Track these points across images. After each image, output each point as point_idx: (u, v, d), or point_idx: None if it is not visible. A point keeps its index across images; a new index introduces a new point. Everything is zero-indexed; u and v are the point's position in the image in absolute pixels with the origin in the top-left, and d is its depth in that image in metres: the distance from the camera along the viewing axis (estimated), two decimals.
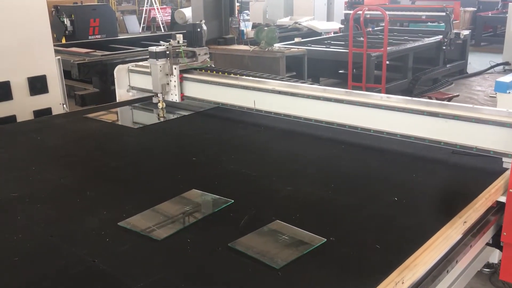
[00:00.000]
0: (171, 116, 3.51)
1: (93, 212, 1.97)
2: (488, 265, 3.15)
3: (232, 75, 3.49)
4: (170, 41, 3.53)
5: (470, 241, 1.85)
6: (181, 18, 17.28)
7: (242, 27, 8.12)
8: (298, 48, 7.41)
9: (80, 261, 1.63)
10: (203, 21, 3.68)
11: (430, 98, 7.40)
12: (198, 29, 3.60)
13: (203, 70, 3.62)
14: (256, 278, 1.54)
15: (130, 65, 3.93)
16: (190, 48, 3.60)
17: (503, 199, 2.04)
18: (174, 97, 3.58)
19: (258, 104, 3.17)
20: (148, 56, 3.52)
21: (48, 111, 3.97)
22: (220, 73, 3.55)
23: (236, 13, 7.88)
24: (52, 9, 11.83)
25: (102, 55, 6.31)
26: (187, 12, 16.72)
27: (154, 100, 3.61)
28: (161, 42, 3.58)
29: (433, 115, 2.43)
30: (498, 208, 2.07)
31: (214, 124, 3.38)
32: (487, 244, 2.10)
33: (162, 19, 18.90)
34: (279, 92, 3.05)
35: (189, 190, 2.13)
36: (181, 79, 3.56)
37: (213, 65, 3.76)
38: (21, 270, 1.60)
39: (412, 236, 1.72)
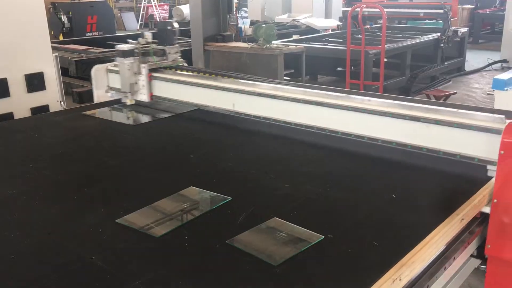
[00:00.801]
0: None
1: (91, 209, 1.97)
2: (485, 262, 3.16)
3: (202, 75, 3.36)
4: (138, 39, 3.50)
5: (467, 238, 1.86)
6: (179, 15, 17.26)
7: (240, 24, 8.10)
8: (296, 46, 7.41)
9: (78, 258, 1.63)
10: (175, 19, 3.67)
11: (428, 95, 7.41)
12: (169, 27, 3.54)
13: (174, 69, 3.54)
14: (253, 275, 1.54)
15: (109, 65, 3.82)
16: (160, 47, 3.52)
17: (487, 209, 1.93)
18: (143, 96, 3.52)
19: (237, 107, 3.07)
20: None
21: (45, 108, 3.95)
22: (190, 72, 3.46)
23: (234, 10, 7.87)
24: (50, 6, 11.81)
25: (99, 52, 6.31)
26: (185, 9, 16.70)
27: (123, 99, 3.56)
28: (128, 40, 3.51)
29: (414, 119, 2.31)
30: (482, 219, 1.97)
31: (213, 122, 3.38)
32: (471, 256, 2.00)
33: (160, 16, 18.85)
34: (259, 94, 2.93)
35: (187, 187, 2.13)
36: (150, 78, 3.49)
37: (185, 64, 3.67)
38: (19, 268, 1.59)
39: (410, 233, 1.73)
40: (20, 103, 3.81)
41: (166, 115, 3.38)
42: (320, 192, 2.12)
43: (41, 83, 3.97)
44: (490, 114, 2.14)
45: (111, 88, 3.77)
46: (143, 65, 3.45)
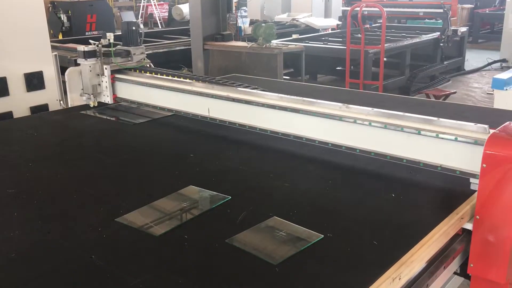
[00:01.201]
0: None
1: (90, 209, 1.97)
2: None
3: (165, 76, 3.27)
4: (101, 40, 3.43)
5: (466, 237, 1.86)
6: (179, 14, 17.25)
7: (240, 24, 8.11)
8: (295, 45, 7.42)
9: (78, 258, 1.63)
10: (140, 20, 3.64)
11: (427, 95, 7.41)
12: (133, 28, 3.48)
13: (138, 71, 3.46)
14: (253, 274, 1.54)
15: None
16: (124, 48, 3.47)
17: (469, 226, 1.82)
18: (107, 98, 3.49)
19: (212, 113, 2.95)
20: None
21: (45, 107, 3.95)
22: (153, 73, 3.37)
23: (234, 9, 7.87)
24: (49, 5, 11.80)
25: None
26: (185, 8, 16.70)
27: (86, 101, 3.49)
28: (90, 41, 3.46)
29: (394, 128, 2.17)
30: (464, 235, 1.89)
31: (210, 120, 3.38)
32: (455, 273, 1.92)
33: (159, 15, 18.84)
34: (233, 100, 2.81)
35: (186, 186, 2.13)
36: (113, 80, 3.44)
37: (151, 65, 3.60)
38: (18, 267, 1.59)
39: (409, 232, 1.73)
40: (19, 102, 3.81)
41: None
42: (319, 191, 2.12)
43: (40, 82, 3.96)
44: (473, 124, 1.99)
45: (86, 92, 3.61)
46: (105, 66, 3.40)
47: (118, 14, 18.61)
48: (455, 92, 7.78)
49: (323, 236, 1.70)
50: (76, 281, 1.52)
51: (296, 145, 2.76)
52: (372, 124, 2.24)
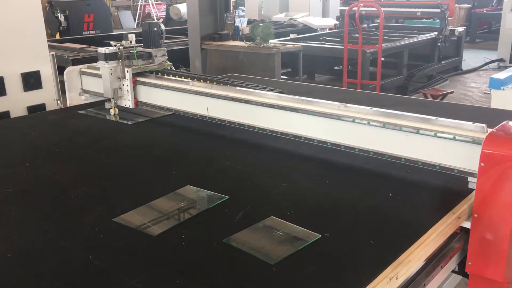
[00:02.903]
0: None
1: (88, 208, 1.97)
2: None
3: (189, 80, 3.12)
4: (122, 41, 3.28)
5: (463, 236, 1.86)
6: (176, 14, 17.24)
7: (237, 23, 8.12)
8: (293, 44, 7.42)
9: (75, 257, 1.62)
10: (161, 20, 3.48)
11: (425, 94, 7.43)
12: (155, 29, 3.30)
13: (160, 74, 3.32)
14: (251, 273, 1.54)
15: (82, 67, 3.69)
16: (145, 49, 3.31)
17: (467, 224, 1.83)
18: (128, 102, 3.29)
19: (211, 112, 2.92)
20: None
21: (42, 107, 3.95)
22: (177, 77, 3.23)
23: (231, 9, 7.87)
24: (46, 4, 11.79)
25: (96, 51, 6.29)
26: (182, 8, 16.70)
27: (107, 105, 3.36)
28: (111, 42, 3.30)
29: (392, 127, 2.17)
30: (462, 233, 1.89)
31: (209, 120, 3.37)
32: (453, 271, 1.93)
33: (157, 14, 18.84)
34: (232, 99, 2.78)
35: (184, 186, 2.13)
36: (135, 83, 3.28)
37: (173, 68, 3.46)
38: (16, 267, 1.59)
39: (407, 231, 1.73)
40: (16, 102, 3.81)
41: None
42: (317, 191, 2.12)
43: (37, 82, 3.95)
44: (471, 123, 1.99)
45: (85, 91, 3.64)
46: (127, 69, 3.23)
47: (116, 13, 18.60)
48: (452, 92, 7.80)
49: (320, 235, 1.70)
50: (73, 281, 1.52)
51: (294, 144, 2.76)
52: (371, 123, 2.23)
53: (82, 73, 3.65)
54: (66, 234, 1.78)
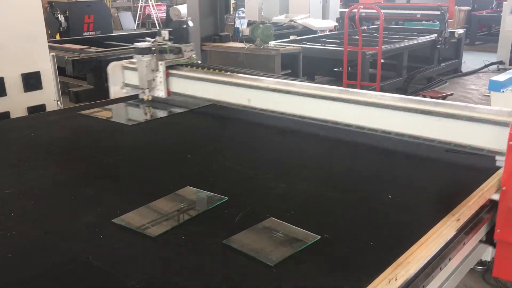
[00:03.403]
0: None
1: (88, 209, 1.97)
2: (481, 263, 3.17)
3: (217, 72, 3.46)
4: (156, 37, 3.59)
5: (463, 238, 1.86)
6: (176, 15, 17.22)
7: (237, 25, 8.11)
8: (293, 46, 7.42)
9: (75, 258, 1.62)
10: (190, 18, 3.74)
11: (424, 96, 7.43)
12: (184, 26, 3.65)
13: (189, 66, 3.63)
14: (250, 275, 1.54)
15: (124, 62, 3.90)
16: (176, 45, 3.63)
17: (496, 197, 2.05)
18: (161, 92, 3.61)
19: (253, 102, 3.15)
20: None
21: (42, 107, 3.95)
22: (205, 69, 3.56)
23: (232, 10, 7.87)
24: (47, 5, 11.78)
25: (96, 52, 6.29)
26: (183, 9, 16.69)
27: (141, 95, 3.64)
28: (146, 38, 3.62)
29: (427, 113, 2.43)
30: (491, 206, 2.08)
31: (209, 121, 3.38)
32: (480, 241, 2.11)
33: (157, 16, 18.84)
34: (273, 90, 3.01)
35: (183, 187, 2.14)
36: (167, 75, 3.59)
37: (199, 62, 3.79)
38: (16, 267, 1.59)
39: (406, 233, 1.74)
40: (16, 102, 3.81)
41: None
42: (316, 192, 2.12)
43: (37, 83, 3.96)
44: (498, 108, 2.29)
45: (127, 85, 3.85)
46: (160, 62, 3.56)
47: (116, 14, 18.60)
48: (452, 94, 7.80)
49: (320, 237, 1.70)
50: (73, 281, 1.52)
51: (294, 145, 2.78)
52: (407, 111, 2.49)
53: (124, 67, 3.84)
54: (66, 235, 1.78)
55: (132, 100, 3.77)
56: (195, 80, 3.47)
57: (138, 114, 3.60)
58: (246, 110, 3.20)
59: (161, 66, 3.55)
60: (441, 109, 2.40)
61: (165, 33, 3.60)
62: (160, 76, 3.57)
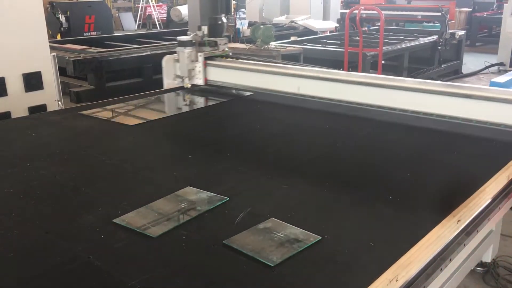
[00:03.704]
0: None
1: (88, 209, 1.97)
2: (481, 264, 3.18)
3: (253, 61, 3.96)
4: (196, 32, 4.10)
5: (463, 240, 1.86)
6: (177, 15, 17.25)
7: (238, 25, 8.12)
8: (294, 47, 7.42)
9: (76, 258, 1.62)
10: (224, 14, 4.18)
11: None
12: (219, 22, 4.17)
13: (224, 58, 4.11)
14: (251, 275, 1.54)
15: (176, 56, 4.21)
16: (212, 38, 4.12)
17: None
18: (199, 81, 4.10)
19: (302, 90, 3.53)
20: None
21: (43, 107, 3.95)
22: (240, 60, 4.05)
23: (232, 11, 7.87)
24: (48, 5, 11.79)
25: (97, 52, 6.28)
26: (183, 9, 16.71)
27: (181, 83, 4.10)
28: (188, 32, 4.27)
29: (467, 97, 2.80)
30: None
31: (209, 122, 3.38)
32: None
33: (157, 16, 18.86)
34: (322, 79, 3.40)
35: (184, 187, 2.14)
36: (205, 65, 4.07)
37: (231, 53, 4.24)
38: (16, 267, 1.59)
39: (406, 234, 1.74)
40: (17, 103, 3.81)
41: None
42: (317, 193, 2.12)
43: (38, 83, 3.96)
44: None
45: (177, 76, 4.18)
46: (199, 53, 4.05)
47: (117, 15, 18.62)
48: None
49: (320, 237, 1.70)
50: (73, 281, 1.52)
51: (294, 146, 2.77)
52: (441, 94, 2.89)
53: (176, 61, 4.13)
54: (66, 235, 1.78)
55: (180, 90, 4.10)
56: (228, 69, 3.97)
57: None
58: (248, 110, 3.22)
59: (200, 57, 4.03)
60: (476, 92, 2.76)
61: (204, 28, 4.07)
62: (199, 66, 4.06)
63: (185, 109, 3.77)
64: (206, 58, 4.07)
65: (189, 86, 4.07)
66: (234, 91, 4.04)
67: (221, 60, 4.11)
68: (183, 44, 3.99)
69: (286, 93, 3.60)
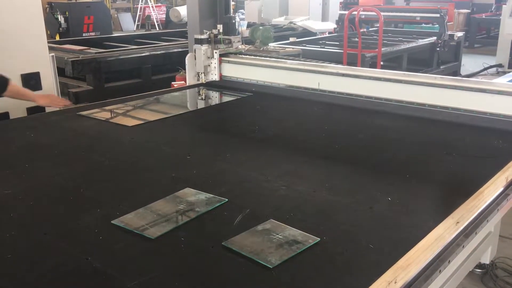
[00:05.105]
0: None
1: (87, 210, 1.97)
2: (480, 266, 3.18)
3: (262, 58, 4.26)
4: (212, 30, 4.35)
5: (462, 241, 1.86)
6: (176, 16, 17.23)
7: (237, 26, 8.09)
8: (293, 48, 7.41)
9: (74, 259, 1.62)
10: (238, 13, 4.21)
11: None
12: (233, 21, 4.51)
13: (238, 55, 4.38)
14: (250, 277, 1.54)
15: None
16: (226, 36, 4.40)
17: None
18: (214, 76, 4.37)
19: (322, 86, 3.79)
20: None
21: (41, 108, 3.94)
22: (253, 56, 4.35)
23: (231, 12, 7.86)
24: (46, 5, 11.79)
25: (96, 53, 6.28)
26: (182, 10, 16.68)
27: (197, 79, 4.34)
28: (204, 31, 4.40)
29: (480, 91, 3.06)
30: None
31: (209, 122, 3.38)
32: None
33: (156, 17, 18.85)
34: (343, 75, 3.69)
35: (183, 188, 2.13)
36: (220, 62, 4.35)
37: (243, 51, 4.50)
38: (14, 268, 1.59)
39: (406, 236, 1.74)
40: (16, 103, 3.80)
41: (183, 111, 3.77)
42: (316, 195, 2.12)
43: (37, 83, 3.96)
44: None
45: (200, 73, 4.42)
46: (215, 50, 4.32)
47: (116, 15, 18.61)
48: None
49: (319, 239, 1.70)
50: (72, 282, 1.52)
51: (293, 147, 2.77)
52: (454, 88, 3.18)
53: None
54: (65, 236, 1.78)
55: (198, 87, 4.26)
56: (242, 65, 4.25)
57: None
58: (248, 110, 3.22)
59: (216, 54, 4.31)
60: (492, 87, 3.04)
61: (219, 27, 4.33)
62: (215, 62, 4.33)
63: (185, 109, 3.77)
64: (221, 55, 4.32)
65: (204, 81, 4.30)
66: (235, 91, 4.05)
67: (235, 56, 4.35)
68: (200, 41, 4.25)
69: (305, 88, 3.84)
